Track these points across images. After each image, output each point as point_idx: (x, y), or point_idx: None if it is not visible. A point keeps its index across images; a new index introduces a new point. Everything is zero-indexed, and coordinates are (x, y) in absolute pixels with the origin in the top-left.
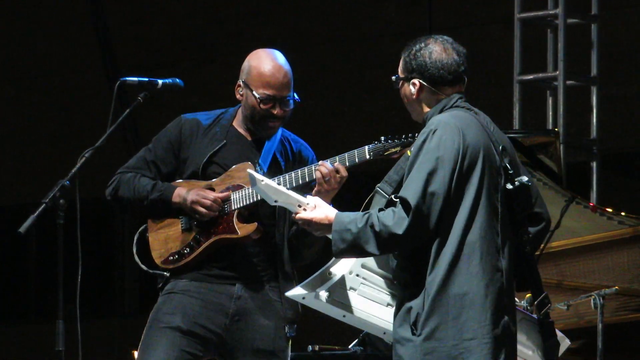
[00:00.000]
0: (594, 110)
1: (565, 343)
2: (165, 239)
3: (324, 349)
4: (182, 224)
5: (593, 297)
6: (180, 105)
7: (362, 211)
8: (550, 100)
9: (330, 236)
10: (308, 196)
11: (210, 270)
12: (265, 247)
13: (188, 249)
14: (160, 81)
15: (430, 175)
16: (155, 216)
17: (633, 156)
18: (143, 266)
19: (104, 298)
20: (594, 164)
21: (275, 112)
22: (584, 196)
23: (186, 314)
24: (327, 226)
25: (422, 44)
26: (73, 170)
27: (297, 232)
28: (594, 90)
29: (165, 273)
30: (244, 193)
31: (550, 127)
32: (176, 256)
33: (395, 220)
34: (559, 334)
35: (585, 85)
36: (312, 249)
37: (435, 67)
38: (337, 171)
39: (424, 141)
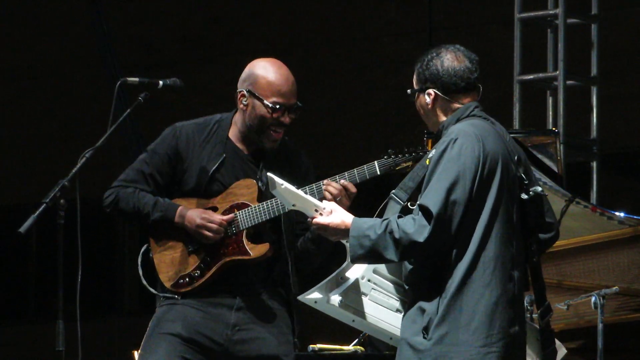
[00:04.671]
0: (594, 110)
1: (562, 351)
2: (171, 260)
3: (324, 349)
4: (188, 245)
5: (593, 297)
6: (180, 105)
7: (375, 217)
8: (550, 100)
9: (344, 242)
10: (325, 201)
11: (212, 286)
12: (269, 260)
13: (198, 272)
14: (160, 81)
15: (452, 184)
16: (157, 234)
17: (633, 156)
18: (152, 289)
19: (104, 298)
20: (594, 164)
21: (285, 120)
22: (584, 196)
23: (187, 322)
24: (343, 231)
25: (434, 54)
26: (73, 170)
27: (313, 237)
28: (594, 90)
29: (176, 296)
30: (251, 212)
31: (550, 127)
32: (187, 279)
33: (416, 228)
34: (556, 342)
35: (585, 85)
36: (323, 254)
37: (447, 75)
38: (346, 189)
39: (444, 150)
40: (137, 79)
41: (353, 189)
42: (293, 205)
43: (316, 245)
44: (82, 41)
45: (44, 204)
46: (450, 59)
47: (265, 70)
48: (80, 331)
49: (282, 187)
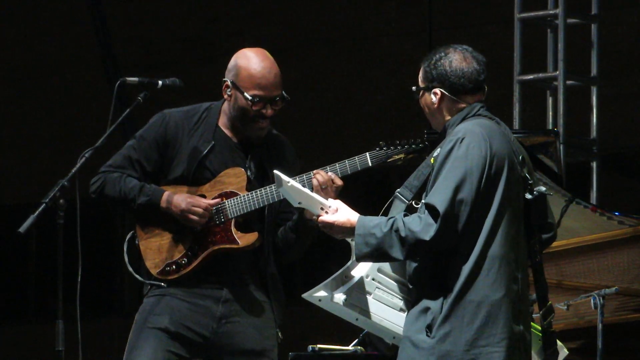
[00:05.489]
0: (594, 110)
1: (563, 352)
2: (158, 248)
3: (324, 349)
4: (175, 233)
5: (593, 297)
6: (180, 105)
7: (380, 215)
8: (550, 100)
9: (349, 240)
10: (330, 199)
11: (199, 275)
12: (253, 252)
13: (185, 259)
14: (160, 81)
15: (459, 182)
16: (144, 221)
17: (633, 156)
18: (138, 276)
19: (104, 298)
20: (594, 164)
21: (266, 112)
22: (584, 196)
23: (174, 316)
24: (349, 230)
25: (442, 54)
26: (73, 170)
27: (293, 225)
28: (594, 90)
29: (162, 284)
30: (239, 200)
31: (550, 127)
32: (173, 267)
33: (423, 226)
34: (558, 343)
35: (585, 85)
36: (302, 244)
37: (455, 76)
38: (332, 180)
39: (451, 149)
40: (136, 79)
41: (339, 182)
42: (299, 203)
43: (296, 234)
44: (82, 41)
45: (44, 204)
46: (458, 60)
47: (248, 61)
48: (80, 331)
49: (289, 184)
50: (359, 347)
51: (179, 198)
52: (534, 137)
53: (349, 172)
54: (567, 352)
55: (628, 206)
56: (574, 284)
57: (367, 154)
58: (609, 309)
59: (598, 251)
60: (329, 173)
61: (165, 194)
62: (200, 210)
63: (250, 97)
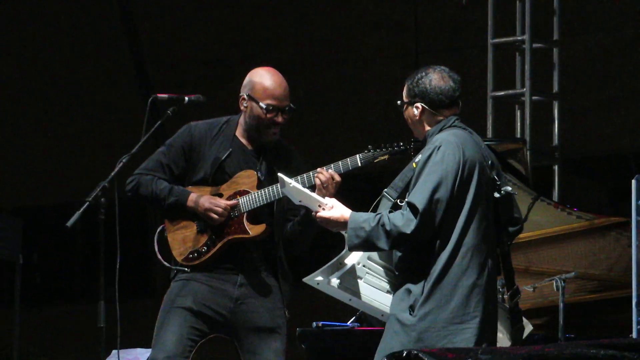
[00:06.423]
0: (556, 121)
1: (528, 328)
2: (183, 239)
3: (326, 325)
4: (197, 226)
5: (555, 280)
6: (203, 118)
7: (370, 212)
8: (518, 113)
9: (344, 232)
10: (327, 197)
11: (218, 263)
12: (264, 242)
13: (205, 248)
14: (186, 97)
15: (437, 184)
16: (171, 217)
17: (589, 160)
18: (166, 263)
19: (138, 282)
20: (556, 167)
21: (278, 119)
22: (548, 195)
23: (196, 297)
24: (342, 224)
25: (423, 73)
26: (112, 173)
27: (299, 219)
28: (555, 104)
29: (186, 269)
30: (250, 197)
31: (518, 135)
32: (195, 254)
33: (404, 222)
34: (524, 320)
35: (548, 100)
36: (307, 237)
37: (434, 93)
38: (332, 177)
39: (429, 155)
40: (166, 96)
41: (338, 178)
42: (299, 201)
43: (302, 227)
44: (119, 63)
45: (88, 202)
46: (437, 79)
47: (261, 77)
48: (119, 310)
49: (291, 185)
50: (355, 323)
51: (203, 199)
52: (505, 144)
53: (342, 171)
54: (532, 328)
55: (584, 203)
56: (539, 269)
57: (357, 155)
58: (569, 291)
59: (559, 241)
60: (330, 171)
61: (192, 195)
62: (220, 209)
63: (264, 106)
